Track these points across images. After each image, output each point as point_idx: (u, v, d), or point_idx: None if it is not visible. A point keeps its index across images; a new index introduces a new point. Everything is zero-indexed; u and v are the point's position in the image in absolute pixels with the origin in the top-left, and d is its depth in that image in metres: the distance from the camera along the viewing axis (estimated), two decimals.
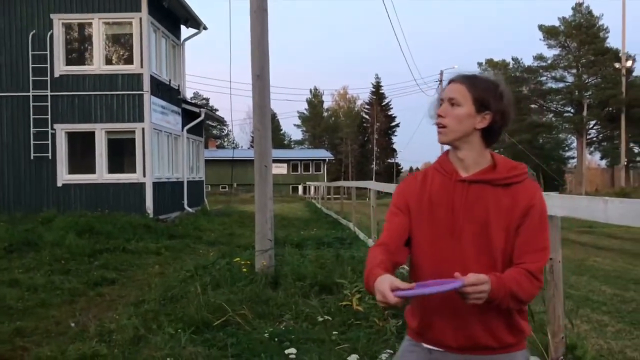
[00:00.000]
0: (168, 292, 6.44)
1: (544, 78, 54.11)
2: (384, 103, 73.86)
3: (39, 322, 5.87)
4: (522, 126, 49.81)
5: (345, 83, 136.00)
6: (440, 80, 44.59)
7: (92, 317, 6.04)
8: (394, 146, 75.75)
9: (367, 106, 77.38)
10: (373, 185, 8.84)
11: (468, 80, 1.82)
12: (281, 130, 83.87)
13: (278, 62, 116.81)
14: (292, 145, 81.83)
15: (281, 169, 54.09)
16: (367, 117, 76.66)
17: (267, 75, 6.79)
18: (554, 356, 3.20)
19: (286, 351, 4.26)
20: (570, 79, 53.07)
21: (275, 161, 57.92)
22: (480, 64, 55.76)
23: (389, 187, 8.16)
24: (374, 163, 69.39)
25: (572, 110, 53.44)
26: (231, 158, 42.20)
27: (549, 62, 53.08)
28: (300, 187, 51.15)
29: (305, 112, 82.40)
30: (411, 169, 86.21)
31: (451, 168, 1.84)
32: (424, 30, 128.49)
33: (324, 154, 58.60)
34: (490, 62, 56.37)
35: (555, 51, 53.23)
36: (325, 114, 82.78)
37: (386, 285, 1.56)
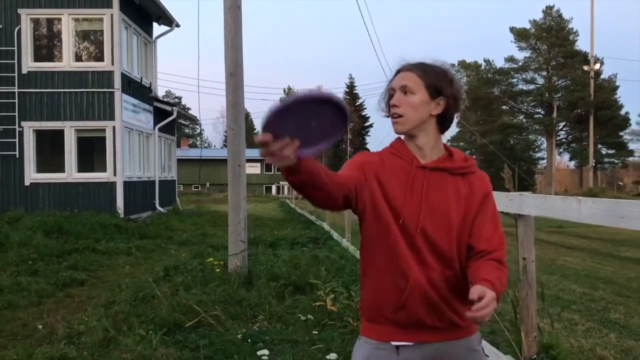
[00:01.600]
0: (139, 292, 6.31)
1: (515, 80, 55.02)
2: (357, 103, 74.13)
3: (5, 324, 5.70)
4: (493, 127, 50.59)
5: (320, 82, 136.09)
6: None
7: (61, 319, 5.89)
8: (368, 146, 76.13)
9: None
10: None
11: (418, 68, 1.81)
12: (255, 129, 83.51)
13: (252, 61, 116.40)
14: None
15: (254, 169, 53.86)
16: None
17: (241, 73, 6.72)
18: (527, 355, 3.22)
19: (258, 352, 4.21)
20: (540, 80, 54.09)
21: (248, 160, 57.80)
22: (453, 65, 56.36)
23: None
24: None
25: (542, 112, 54.43)
26: (202, 157, 41.87)
27: (520, 64, 54.01)
28: (274, 187, 51.01)
29: None
30: None
31: (410, 154, 1.82)
32: (396, 31, 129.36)
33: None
34: (462, 64, 57.06)
35: (526, 53, 54.20)
36: None
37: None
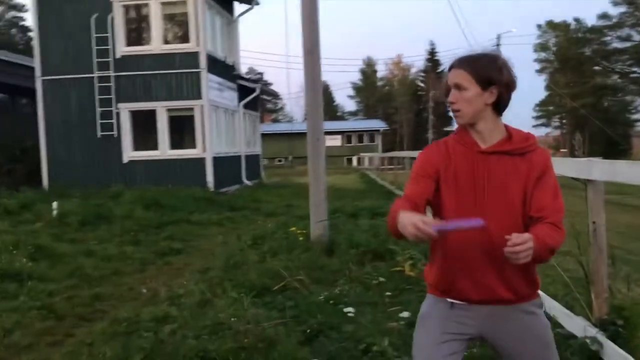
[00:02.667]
0: (230, 259, 6.82)
1: (609, 38, 51.73)
2: (439, 70, 72.49)
3: (114, 288, 6.37)
4: (584, 89, 48.04)
5: (399, 51, 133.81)
6: (498, 44, 43.25)
7: (162, 283, 6.50)
8: (451, 114, 74.49)
9: (422, 74, 76.21)
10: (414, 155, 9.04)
11: (467, 63, 1.98)
12: (334, 102, 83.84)
13: (331, 33, 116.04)
14: (346, 117, 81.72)
15: (335, 141, 54.21)
16: (422, 85, 75.55)
17: (318, 50, 6.97)
18: (598, 315, 3.33)
19: (345, 309, 4.55)
20: (637, 37, 50.49)
21: (328, 133, 57.79)
22: (539, 26, 53.75)
23: None
24: (430, 132, 68.47)
25: (639, 71, 50.93)
26: (285, 132, 42.69)
27: (615, 20, 50.59)
28: (354, 159, 51.23)
29: (358, 82, 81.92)
30: None
31: (471, 140, 2.01)
32: None
33: (377, 124, 58.25)
34: (550, 24, 54.25)
35: (622, 9, 50.62)
36: (379, 83, 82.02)
37: (417, 219, 1.71)
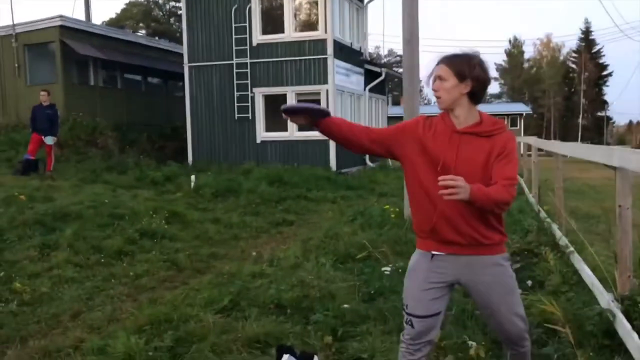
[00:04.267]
0: (329, 231, 7.59)
1: None
2: (594, 50, 67.45)
3: (229, 250, 7.43)
4: None
5: (549, 30, 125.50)
6: None
7: (269, 248, 7.45)
8: (605, 98, 68.96)
9: (574, 54, 71.30)
10: (533, 141, 9.03)
11: (448, 60, 2.53)
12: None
13: (474, 12, 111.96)
14: (489, 99, 78.91)
15: None
16: (573, 66, 70.75)
17: (416, 40, 7.39)
18: (620, 291, 3.59)
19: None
20: None
21: None
22: None
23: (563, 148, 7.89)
24: (581, 117, 64.16)
25: None
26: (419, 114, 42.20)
27: None
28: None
29: (503, 63, 78.55)
30: (631, 122, 77.87)
31: (450, 122, 2.56)
32: None
33: (521, 107, 55.72)
34: None
35: None
36: (526, 64, 77.94)
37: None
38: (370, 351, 3.52)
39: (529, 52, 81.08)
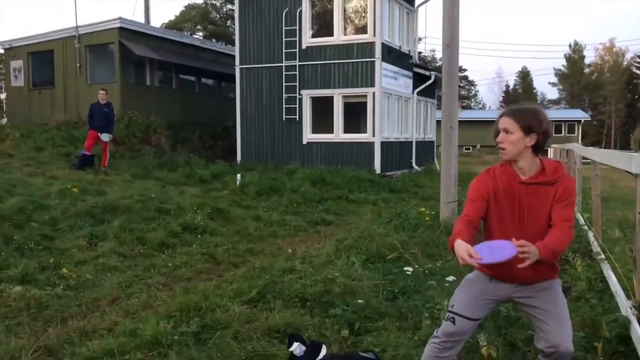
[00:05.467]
0: (364, 232, 7.71)
1: None
2: None
3: (266, 246, 7.65)
4: None
5: (612, 35, 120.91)
6: None
7: (305, 246, 7.63)
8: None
9: (638, 59, 68.61)
10: (577, 149, 8.85)
11: (514, 114, 2.66)
12: (534, 89, 79.35)
13: (533, 16, 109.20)
14: (547, 105, 76.83)
15: None
16: (638, 72, 68.08)
17: (456, 44, 7.42)
18: (638, 298, 3.59)
19: (431, 280, 5.16)
20: None
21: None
22: None
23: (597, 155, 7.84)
24: None
25: None
26: (472, 119, 41.77)
27: None
28: (550, 150, 48.34)
29: (562, 68, 76.36)
30: None
31: (514, 172, 2.68)
32: None
33: (579, 114, 54.03)
34: None
35: None
36: (587, 70, 75.52)
37: (465, 252, 2.40)
38: (383, 345, 3.64)
39: (590, 57, 78.42)
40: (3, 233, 6.63)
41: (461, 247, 2.41)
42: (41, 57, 19.59)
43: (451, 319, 2.76)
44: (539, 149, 2.63)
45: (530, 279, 2.67)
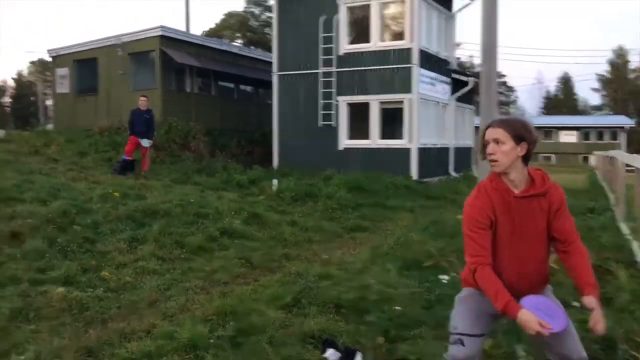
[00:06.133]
0: (400, 239, 7.67)
1: None
2: None
3: (301, 251, 7.68)
4: None
5: None
6: None
7: (340, 252, 7.63)
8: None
9: None
10: (621, 156, 8.61)
11: (505, 123, 2.61)
12: (575, 95, 77.55)
13: (576, 22, 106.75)
14: (590, 111, 74.96)
15: (570, 137, 50.57)
16: None
17: (495, 51, 7.33)
18: None
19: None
20: None
21: (563, 128, 53.63)
22: None
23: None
24: None
25: None
26: None
27: None
28: (592, 158, 47.14)
29: (605, 74, 74.43)
30: None
31: (506, 187, 2.61)
32: None
33: (623, 120, 52.54)
34: None
35: None
36: (631, 75, 73.39)
37: (536, 323, 2.37)
38: (419, 354, 3.61)
39: (635, 62, 76.20)
40: (47, 235, 6.82)
41: (529, 318, 2.38)
42: (85, 64, 20.18)
43: (459, 341, 2.70)
44: (528, 158, 2.59)
45: (525, 293, 2.57)
